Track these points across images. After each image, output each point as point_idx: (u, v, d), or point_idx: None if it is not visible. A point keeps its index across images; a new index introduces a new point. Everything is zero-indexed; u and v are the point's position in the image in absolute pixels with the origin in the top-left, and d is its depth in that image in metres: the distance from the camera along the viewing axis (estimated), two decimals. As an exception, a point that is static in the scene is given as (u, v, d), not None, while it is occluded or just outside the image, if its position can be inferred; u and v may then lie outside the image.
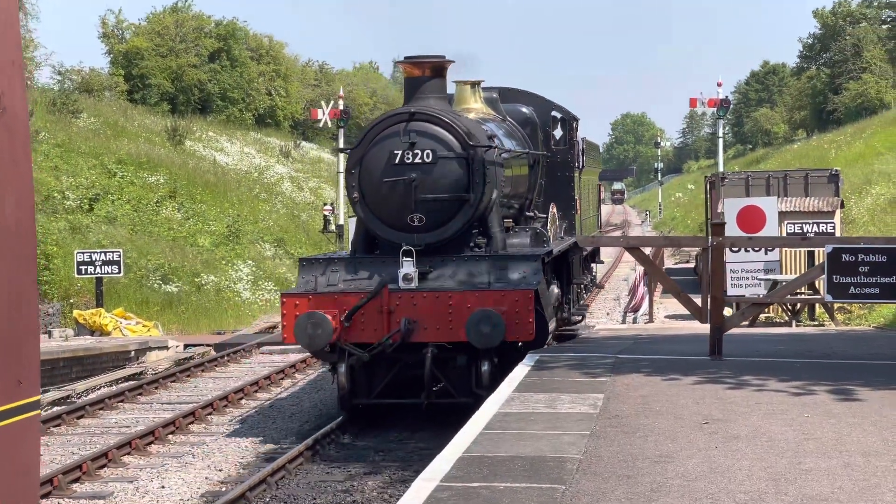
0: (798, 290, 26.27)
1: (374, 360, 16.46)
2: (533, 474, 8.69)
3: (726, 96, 51.05)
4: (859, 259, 14.07)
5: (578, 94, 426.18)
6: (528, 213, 20.77)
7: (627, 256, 51.14)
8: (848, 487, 8.13)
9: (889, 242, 14.37)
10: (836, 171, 35.09)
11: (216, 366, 25.18)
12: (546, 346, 16.91)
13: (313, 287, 16.74)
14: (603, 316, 31.89)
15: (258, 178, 54.31)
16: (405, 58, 17.83)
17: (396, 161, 16.80)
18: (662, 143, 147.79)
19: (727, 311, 17.75)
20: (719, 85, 49.97)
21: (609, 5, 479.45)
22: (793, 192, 33.56)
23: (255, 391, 21.59)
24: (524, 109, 22.44)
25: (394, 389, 17.02)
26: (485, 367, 15.94)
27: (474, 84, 20.50)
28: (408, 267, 16.31)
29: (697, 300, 16.23)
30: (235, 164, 55.86)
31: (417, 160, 16.77)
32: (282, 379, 23.05)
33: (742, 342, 17.18)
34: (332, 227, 47.65)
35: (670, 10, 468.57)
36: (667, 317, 29.42)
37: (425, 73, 17.54)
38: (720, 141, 51.69)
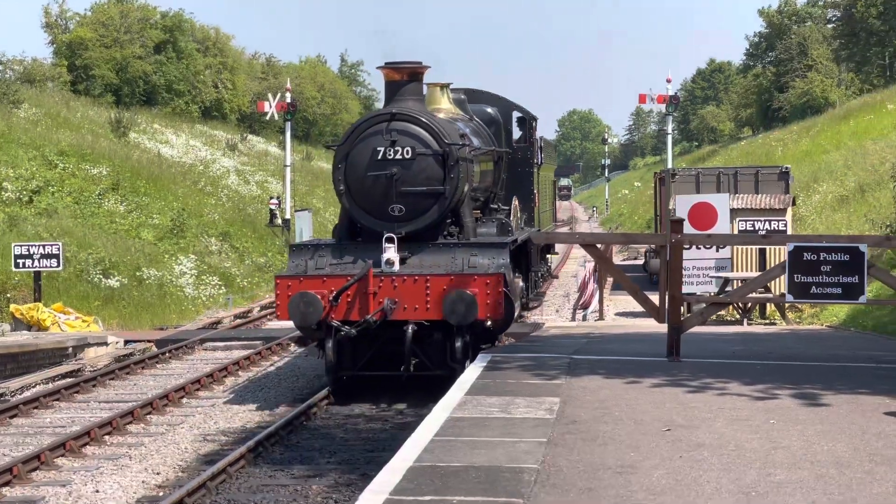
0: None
1: (359, 336, 18.06)
2: (489, 486, 8.16)
3: (675, 93, 50.79)
4: (821, 258, 13.66)
5: (525, 90, 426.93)
6: (492, 206, 22.59)
7: (575, 252, 50.88)
8: (823, 502, 7.67)
9: (852, 241, 13.95)
10: (787, 168, 34.94)
11: (157, 363, 24.48)
12: (498, 346, 16.50)
13: (304, 270, 18.61)
14: (552, 313, 31.43)
15: (204, 171, 53.49)
16: (385, 63, 19.54)
17: (379, 157, 18.64)
18: (609, 140, 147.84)
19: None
20: (668, 81, 49.77)
21: (555, 2, 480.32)
22: (743, 189, 33.36)
23: (197, 389, 20.94)
24: (489, 110, 24.58)
25: (376, 363, 18.88)
26: (458, 343, 17.86)
27: (443, 86, 22.39)
28: (390, 252, 18.21)
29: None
30: (181, 157, 55.02)
31: (398, 156, 18.65)
32: (225, 377, 22.39)
33: (697, 342, 16.74)
34: (279, 221, 46.95)
35: (618, 7, 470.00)
36: (617, 314, 29.06)
37: (404, 78, 19.43)
38: (669, 137, 51.47)
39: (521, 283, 20.67)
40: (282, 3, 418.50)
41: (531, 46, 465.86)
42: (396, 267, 18.24)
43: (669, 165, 48.00)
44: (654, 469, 8.59)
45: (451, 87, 22.81)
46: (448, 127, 19.41)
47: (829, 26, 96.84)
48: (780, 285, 26.65)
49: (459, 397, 11.67)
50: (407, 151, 18.71)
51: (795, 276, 13.74)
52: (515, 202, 23.95)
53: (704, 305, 14.55)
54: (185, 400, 20.11)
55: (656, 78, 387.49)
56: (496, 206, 22.76)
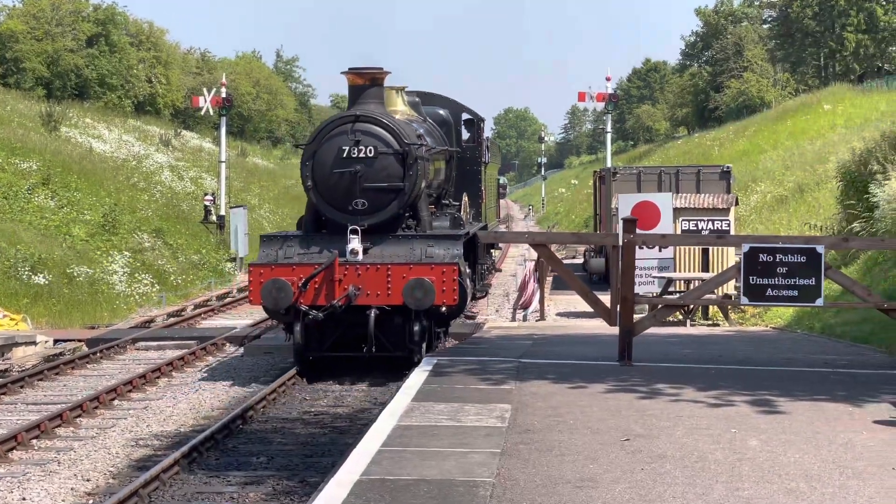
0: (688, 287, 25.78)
1: (325, 319, 19.63)
2: (441, 502, 7.66)
3: (614, 91, 50.57)
4: (777, 259, 13.25)
5: (460, 88, 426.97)
6: (444, 202, 24.37)
7: (513, 251, 50.48)
8: (797, 520, 7.27)
9: (808, 242, 13.52)
10: (728, 167, 34.79)
11: (88, 363, 23.73)
12: (441, 349, 16.02)
13: (275, 258, 20.09)
14: (493, 313, 31.00)
15: (137, 167, 52.52)
16: (349, 69, 21.12)
17: (344, 155, 20.21)
18: (546, 139, 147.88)
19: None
20: (608, 80, 49.43)
21: (493, 1, 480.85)
22: (685, 188, 33.13)
23: (129, 391, 20.24)
24: (441, 111, 26.23)
25: (341, 345, 20.41)
26: (416, 327, 19.49)
27: (399, 89, 23.75)
28: (354, 243, 19.72)
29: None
30: (113, 152, 53.98)
31: (361, 155, 20.25)
32: (157, 378, 21.68)
33: (644, 344, 16.29)
34: (213, 218, 46.16)
35: (554, 6, 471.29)
36: (558, 314, 28.71)
37: (366, 82, 21.00)
38: (608, 136, 51.13)
39: (470, 273, 22.15)
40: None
41: (467, 44, 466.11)
42: (360, 256, 19.76)
43: (609, 164, 47.74)
44: (615, 483, 8.13)
45: (406, 90, 24.20)
46: (407, 128, 21.00)
47: (765, 27, 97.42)
48: (726, 286, 26.49)
49: (406, 403, 11.13)
50: (370, 150, 20.27)
51: (751, 278, 13.33)
52: (465, 198, 26.01)
53: (657, 307, 14.03)
54: (116, 402, 19.43)
55: (592, 77, 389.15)
56: (448, 202, 24.54)
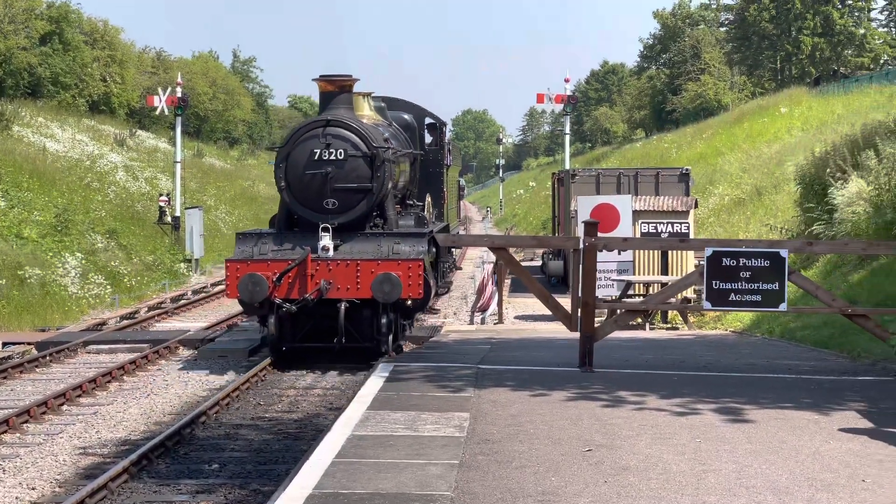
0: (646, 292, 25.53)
1: (298, 312, 20.89)
2: (398, 517, 7.33)
3: (573, 93, 50.39)
4: (741, 263, 12.97)
5: (419, 90, 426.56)
6: (408, 202, 25.71)
7: (471, 253, 50.16)
8: (766, 536, 6.98)
9: (772, 246, 13.25)
10: (687, 169, 34.59)
11: (37, 367, 23.23)
12: (398, 355, 15.67)
13: (250, 255, 21.32)
14: (450, 315, 30.68)
15: (91, 167, 51.82)
16: (321, 76, 22.46)
17: (316, 158, 21.46)
18: (504, 141, 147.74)
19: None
20: (567, 81, 49.26)
21: (451, 3, 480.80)
22: (644, 191, 32.92)
23: (79, 396, 19.78)
24: (405, 116, 27.63)
25: (312, 336, 21.63)
26: (384, 320, 20.86)
27: (366, 95, 24.72)
28: (325, 240, 20.96)
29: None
30: (67, 152, 53.23)
31: (332, 157, 21.53)
32: (108, 382, 21.23)
33: (605, 349, 16.00)
34: (168, 219, 45.54)
35: (513, 8, 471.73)
36: (516, 317, 28.43)
37: (336, 89, 22.33)
38: (567, 137, 50.96)
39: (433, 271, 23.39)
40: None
41: (426, 45, 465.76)
42: (331, 253, 21.02)
43: (567, 166, 47.54)
44: (577, 497, 7.82)
45: (372, 95, 25.31)
46: (374, 132, 22.27)
47: (722, 30, 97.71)
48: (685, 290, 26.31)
49: (361, 412, 10.75)
50: (340, 153, 21.57)
51: (714, 282, 13.04)
52: (429, 199, 27.42)
53: (619, 312, 13.69)
54: (65, 407, 18.98)
55: (550, 80, 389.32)
56: (412, 203, 25.98)
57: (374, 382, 12.60)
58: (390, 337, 21.21)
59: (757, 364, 15.18)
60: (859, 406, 11.49)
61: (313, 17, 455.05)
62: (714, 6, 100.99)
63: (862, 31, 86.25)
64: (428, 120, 29.65)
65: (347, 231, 21.54)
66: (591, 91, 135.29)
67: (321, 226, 21.14)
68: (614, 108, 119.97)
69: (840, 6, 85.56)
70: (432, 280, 22.50)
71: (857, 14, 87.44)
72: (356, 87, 23.23)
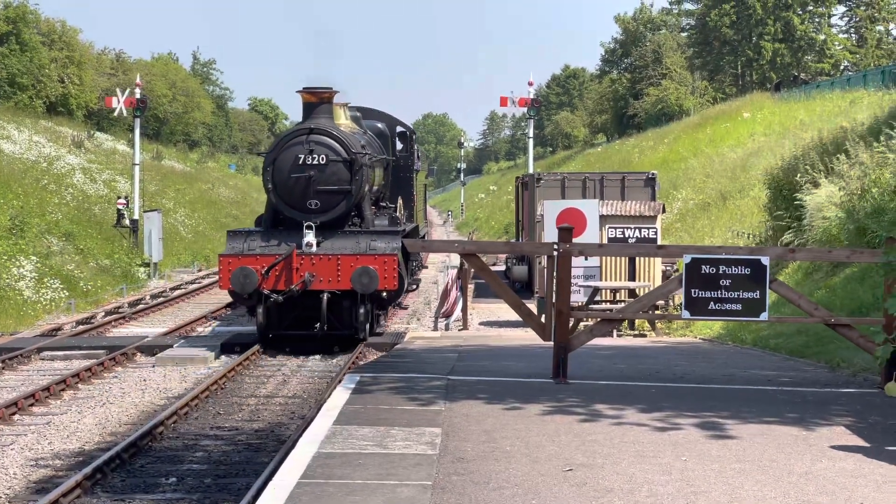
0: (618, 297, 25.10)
1: (284, 302, 23.23)
2: (370, 547, 6.78)
3: (537, 96, 49.94)
4: (720, 271, 12.46)
5: (379, 94, 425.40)
6: (382, 204, 27.81)
7: (433, 258, 49.60)
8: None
9: (753, 253, 12.75)
10: (654, 174, 34.26)
11: (-13, 374, 22.55)
12: (365, 364, 15.12)
13: (241, 250, 23.54)
14: (414, 321, 30.16)
15: (47, 169, 50.93)
16: (304, 88, 24.79)
17: (300, 162, 23.82)
18: (465, 144, 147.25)
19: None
20: (530, 84, 48.79)
21: (414, 5, 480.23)
22: (609, 195, 32.54)
23: (31, 405, 19.11)
24: (379, 125, 30.17)
25: (297, 324, 23.88)
26: (361, 310, 23.41)
27: (343, 105, 26.44)
28: (309, 237, 23.38)
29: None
30: (23, 154, 52.31)
31: (315, 162, 23.83)
32: (63, 391, 20.57)
33: (576, 357, 15.41)
34: (127, 222, 44.72)
35: (473, 13, 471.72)
36: (481, 323, 27.97)
37: (318, 100, 24.64)
38: (531, 141, 50.49)
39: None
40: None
41: (386, 48, 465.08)
42: (314, 248, 23.36)
43: (531, 170, 47.10)
44: (561, 522, 7.31)
45: (348, 105, 27.16)
46: (353, 139, 24.58)
47: (683, 35, 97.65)
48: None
49: (328, 427, 10.11)
50: (322, 158, 23.83)
51: (692, 290, 12.53)
52: (400, 201, 30.15)
53: (594, 322, 13.17)
54: (17, 417, 18.32)
55: (512, 84, 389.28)
56: (385, 204, 28.04)
57: (341, 394, 11.95)
58: (367, 325, 23.70)
59: (735, 375, 14.67)
60: (847, 420, 11.01)
61: (275, 18, 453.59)
62: (675, 11, 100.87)
63: (822, 36, 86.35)
64: (399, 128, 32.60)
65: (328, 229, 23.77)
66: (552, 95, 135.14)
67: (305, 224, 23.44)
68: (575, 112, 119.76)
69: (800, 12, 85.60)
70: (405, 274, 24.78)
71: (817, 20, 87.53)
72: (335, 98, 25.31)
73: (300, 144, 23.97)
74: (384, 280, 22.81)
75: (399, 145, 32.39)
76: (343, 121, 25.85)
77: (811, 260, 19.30)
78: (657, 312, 20.14)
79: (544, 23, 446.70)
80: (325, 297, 23.16)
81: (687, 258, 12.58)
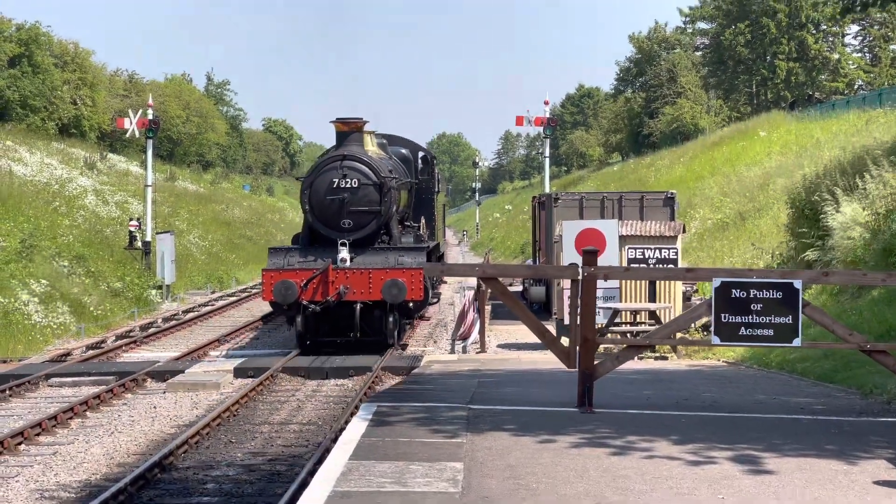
0: (638, 319, 24.54)
1: (321, 312, 25.59)
2: None
3: (552, 115, 49.49)
4: (751, 295, 11.91)
5: (392, 113, 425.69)
6: (406, 223, 30.33)
7: (450, 278, 49.05)
8: None
9: (784, 276, 12.19)
10: (673, 193, 33.70)
11: (-6, 401, 22.06)
12: (382, 391, 14.56)
13: (282, 265, 25.85)
14: (430, 343, 29.63)
15: (59, 191, 50.56)
16: (337, 119, 27.37)
17: (335, 186, 26.31)
18: (480, 164, 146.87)
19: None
20: (546, 104, 48.31)
21: (428, 23, 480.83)
22: (628, 215, 32.02)
23: (38, 434, 18.62)
24: (403, 150, 32.83)
25: (333, 332, 26.49)
26: (391, 318, 25.92)
27: (370, 133, 28.59)
28: (343, 253, 25.73)
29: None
30: (34, 176, 51.96)
31: (348, 185, 26.31)
32: (70, 419, 20.08)
33: (600, 383, 14.95)
34: (139, 244, 44.25)
35: (487, 32, 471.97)
36: (499, 346, 27.42)
37: (350, 129, 27.13)
38: (546, 161, 49.99)
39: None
40: (147, 21, 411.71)
41: (400, 68, 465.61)
42: (348, 263, 25.66)
43: (547, 189, 46.60)
44: (596, 570, 6.77)
45: (375, 133, 29.46)
46: (381, 164, 27.01)
47: (698, 54, 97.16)
48: (670, 316, 25.30)
49: (343, 462, 9.54)
50: (354, 182, 26.28)
51: (722, 315, 11.98)
52: (422, 220, 32.61)
53: (620, 348, 12.57)
54: (22, 447, 17.83)
55: (526, 104, 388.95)
56: (409, 223, 30.63)
57: (357, 426, 11.37)
58: (396, 332, 26.44)
59: (766, 402, 14.08)
60: (888, 453, 10.42)
61: (287, 39, 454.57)
62: (690, 30, 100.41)
63: (836, 56, 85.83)
64: (421, 153, 34.98)
65: (360, 246, 26.14)
66: (566, 115, 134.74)
67: (339, 241, 25.84)
68: (590, 131, 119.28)
69: (815, 31, 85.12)
70: (429, 287, 27.58)
71: (831, 39, 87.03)
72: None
73: (335, 170, 26.39)
74: (411, 291, 24.85)
75: (421, 167, 34.59)
76: (371, 147, 28.09)
77: (846, 283, 18.70)
78: (683, 337, 19.47)
79: (558, 43, 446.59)
80: (358, 307, 25.45)
81: (716, 282, 12.03)
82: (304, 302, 25.28)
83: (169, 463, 16.27)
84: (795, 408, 13.50)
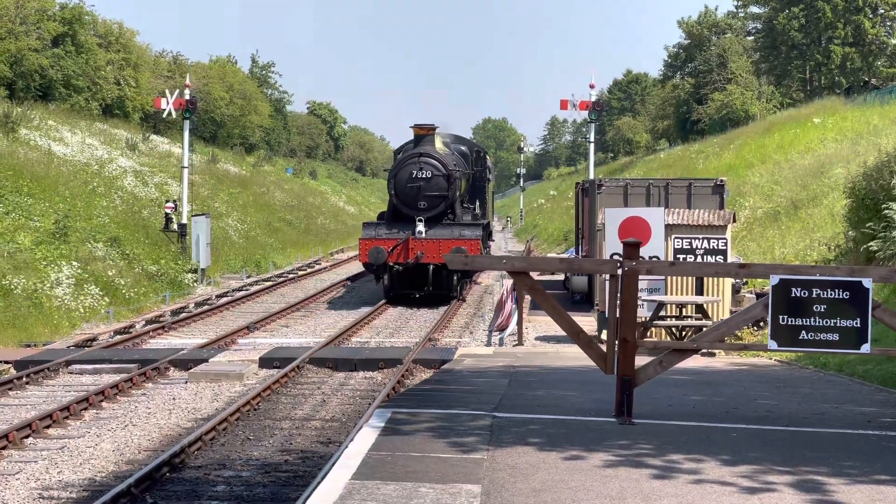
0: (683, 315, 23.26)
1: (403, 271, 34.71)
2: None
3: (598, 98, 48.03)
4: (814, 295, 10.57)
5: (436, 98, 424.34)
6: (465, 205, 38.43)
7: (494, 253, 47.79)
8: None
9: (851, 274, 10.82)
10: (722, 181, 32.34)
11: (11, 389, 21.18)
12: (404, 392, 13.42)
13: (374, 235, 34.77)
14: (466, 334, 28.48)
15: (98, 171, 49.67)
16: (416, 124, 36.60)
17: (413, 176, 35.31)
18: (525, 150, 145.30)
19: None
20: (591, 87, 46.92)
21: (473, 11, 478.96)
22: (675, 203, 30.72)
23: (47, 427, 17.65)
24: (462, 147, 42.19)
25: (412, 287, 35.29)
26: (455, 277, 35.03)
27: (439, 134, 37.84)
28: (420, 227, 34.56)
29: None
30: (74, 156, 51.13)
31: (423, 176, 35.29)
32: (84, 410, 19.10)
33: (640, 386, 13.70)
34: (174, 226, 43.28)
35: (535, 18, 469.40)
36: (537, 338, 26.21)
37: (425, 133, 36.29)
38: (591, 146, 48.57)
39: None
40: (193, 1, 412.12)
41: (446, 54, 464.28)
42: (423, 235, 34.43)
43: (591, 175, 45.25)
44: None
45: (440, 132, 38.37)
46: (448, 160, 36.40)
47: (750, 38, 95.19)
48: (722, 312, 23.97)
49: (344, 482, 8.23)
50: (428, 174, 35.33)
51: (780, 317, 10.66)
52: (477, 203, 40.16)
53: (664, 352, 11.28)
54: (29, 440, 16.87)
55: (572, 88, 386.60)
56: (467, 206, 38.74)
57: (366, 437, 10.05)
58: (459, 287, 35.78)
59: (827, 412, 12.72)
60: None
61: (332, 23, 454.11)
62: (741, 14, 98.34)
63: (894, 41, 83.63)
64: (475, 149, 43.36)
65: (432, 222, 35.00)
66: (613, 100, 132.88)
67: (416, 218, 34.78)
68: (637, 117, 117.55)
69: (872, 16, 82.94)
70: (485, 253, 36.58)
71: (889, 24, 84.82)
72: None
73: (413, 164, 35.53)
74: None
75: (474, 159, 42.35)
76: (440, 146, 37.24)
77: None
78: (734, 342, 18.11)
79: (607, 27, 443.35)
80: (431, 268, 34.29)
81: (774, 279, 10.71)
82: (391, 263, 34.21)
83: (180, 461, 15.24)
84: (862, 420, 12.10)
